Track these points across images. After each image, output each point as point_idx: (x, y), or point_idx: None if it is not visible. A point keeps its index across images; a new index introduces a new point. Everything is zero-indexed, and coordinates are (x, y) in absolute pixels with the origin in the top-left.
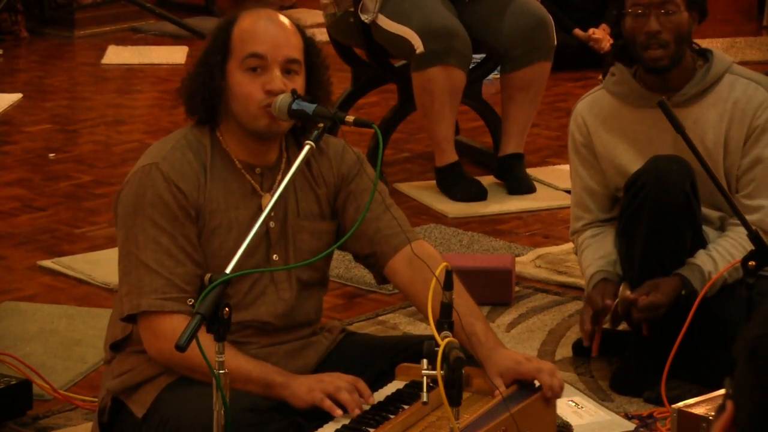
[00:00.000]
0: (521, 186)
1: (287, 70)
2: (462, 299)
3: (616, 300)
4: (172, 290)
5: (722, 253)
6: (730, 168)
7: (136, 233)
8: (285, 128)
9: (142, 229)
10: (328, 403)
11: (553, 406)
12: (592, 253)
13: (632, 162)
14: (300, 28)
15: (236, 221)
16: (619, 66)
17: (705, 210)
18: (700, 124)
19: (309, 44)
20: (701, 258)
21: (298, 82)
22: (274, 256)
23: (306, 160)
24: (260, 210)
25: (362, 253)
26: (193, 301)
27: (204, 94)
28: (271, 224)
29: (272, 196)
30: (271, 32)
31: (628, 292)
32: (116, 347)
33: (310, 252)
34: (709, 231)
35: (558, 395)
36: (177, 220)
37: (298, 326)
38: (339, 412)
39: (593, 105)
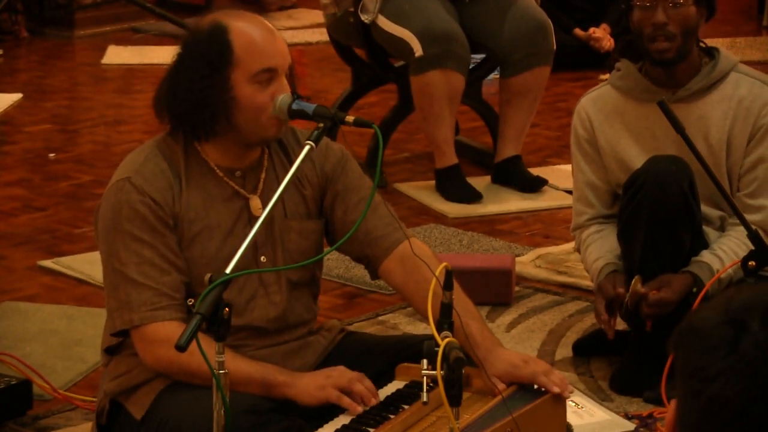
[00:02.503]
0: (532, 183)
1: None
2: (458, 299)
3: (629, 292)
4: (162, 300)
5: (727, 252)
6: (733, 166)
7: (117, 249)
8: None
9: (123, 245)
10: (346, 401)
11: (563, 408)
12: (599, 248)
13: (635, 157)
14: None
15: (218, 227)
16: (625, 61)
17: (705, 209)
18: (704, 120)
19: None
20: (708, 257)
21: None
22: (262, 258)
23: (289, 159)
24: (245, 212)
25: (354, 255)
26: (193, 301)
27: (214, 107)
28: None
29: (260, 197)
30: (274, 42)
31: (639, 286)
32: (111, 351)
33: (298, 252)
34: (709, 231)
35: (564, 391)
36: (156, 231)
37: (293, 327)
38: (359, 408)
39: (597, 100)
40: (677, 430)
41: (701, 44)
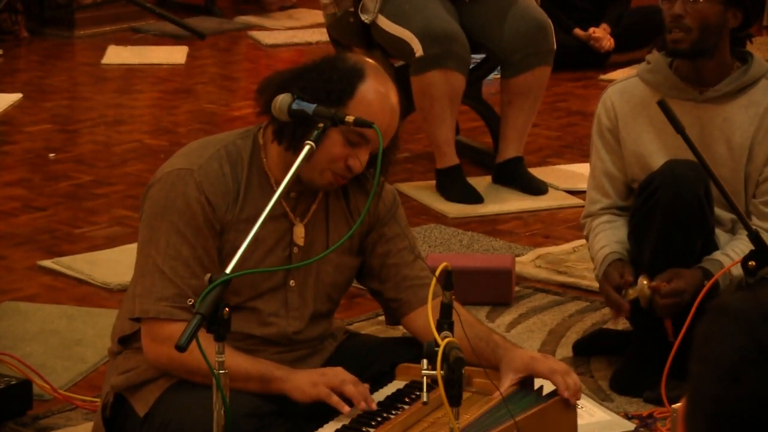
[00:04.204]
0: (532, 187)
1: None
2: (467, 315)
3: (635, 291)
4: (183, 301)
5: (739, 254)
6: (752, 172)
7: (158, 237)
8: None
9: (164, 234)
10: (335, 399)
11: (574, 410)
12: (607, 237)
13: (655, 153)
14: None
15: (262, 242)
16: (656, 54)
17: (718, 211)
18: (729, 123)
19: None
20: (720, 256)
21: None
22: (291, 282)
23: (347, 198)
24: (288, 235)
25: (387, 295)
26: (193, 300)
27: (305, 126)
28: (295, 249)
29: (306, 226)
30: (385, 119)
31: (645, 282)
32: (124, 341)
33: (331, 284)
34: (719, 233)
35: (576, 396)
36: (201, 232)
37: (306, 342)
38: (347, 408)
39: (624, 91)
40: (685, 420)
41: (738, 47)
